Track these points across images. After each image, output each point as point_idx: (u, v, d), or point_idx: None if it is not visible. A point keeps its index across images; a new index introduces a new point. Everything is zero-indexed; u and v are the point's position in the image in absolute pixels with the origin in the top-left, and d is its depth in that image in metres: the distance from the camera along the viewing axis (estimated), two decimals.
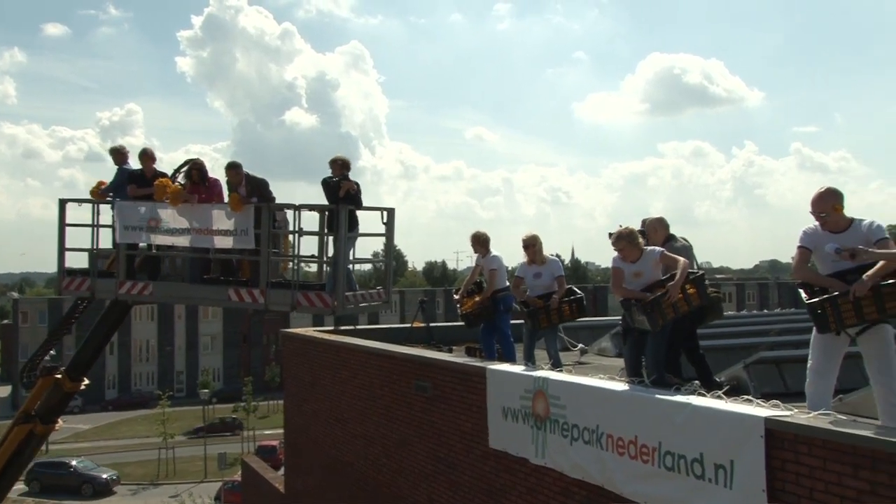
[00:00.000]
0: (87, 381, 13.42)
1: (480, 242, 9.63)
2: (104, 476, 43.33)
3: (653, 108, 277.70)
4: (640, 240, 7.14)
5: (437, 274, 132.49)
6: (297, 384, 13.65)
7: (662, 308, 6.61)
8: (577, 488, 6.70)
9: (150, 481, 45.33)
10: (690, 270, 6.93)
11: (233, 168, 10.41)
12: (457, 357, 9.72)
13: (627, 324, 7.14)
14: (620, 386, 6.51)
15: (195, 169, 10.72)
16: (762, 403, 5.29)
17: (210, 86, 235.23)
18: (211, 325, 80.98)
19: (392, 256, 11.13)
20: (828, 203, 5.40)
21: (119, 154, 11.60)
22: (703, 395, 5.68)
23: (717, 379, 7.64)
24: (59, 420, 13.68)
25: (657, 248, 7.15)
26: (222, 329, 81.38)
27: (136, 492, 43.48)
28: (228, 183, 10.46)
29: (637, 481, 5.93)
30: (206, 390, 69.40)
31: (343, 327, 14.12)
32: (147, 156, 11.31)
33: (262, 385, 71.70)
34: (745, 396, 5.59)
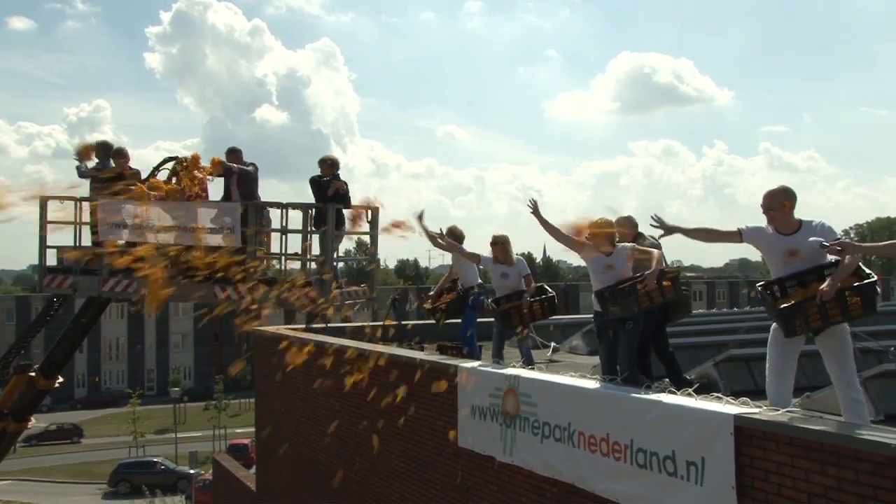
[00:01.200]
0: (60, 380, 13.29)
1: (454, 237, 9.68)
2: (191, 472, 42.83)
3: (623, 106, 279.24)
4: (615, 234, 7.21)
5: (409, 272, 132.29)
6: (268, 382, 13.57)
7: (638, 295, 6.67)
8: (549, 486, 6.72)
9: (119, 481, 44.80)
10: (664, 268, 7.02)
11: (233, 153, 10.58)
12: (428, 355, 9.73)
13: (601, 322, 7.20)
14: (592, 384, 6.54)
15: (181, 166, 10.74)
16: (732, 401, 5.34)
17: (179, 82, 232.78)
18: (182, 323, 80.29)
19: (377, 254, 11.16)
20: (776, 199, 5.44)
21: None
22: (674, 393, 5.73)
23: (688, 377, 7.71)
24: (32, 418, 13.54)
25: (629, 244, 7.21)
26: (193, 327, 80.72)
27: (106, 493, 43.01)
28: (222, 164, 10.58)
29: (608, 479, 5.96)
30: (177, 388, 68.85)
31: (314, 325, 14.06)
32: (121, 155, 11.26)
33: (233, 383, 71.24)
34: (715, 394, 5.64)
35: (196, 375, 79.53)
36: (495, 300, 9.25)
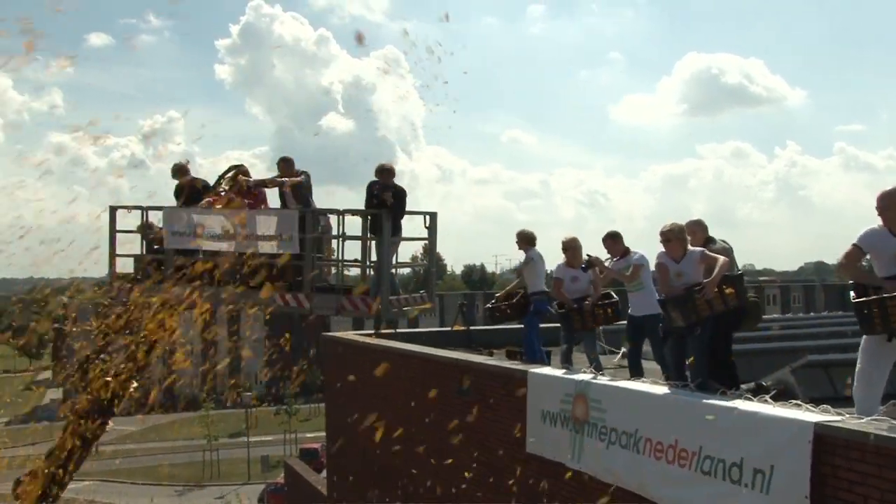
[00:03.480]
0: (136, 384, 13.61)
1: (522, 238, 9.65)
2: None
3: (690, 108, 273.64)
4: (688, 238, 7.09)
5: (475, 277, 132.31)
6: (338, 388, 13.70)
7: (696, 303, 6.52)
8: (620, 492, 6.61)
9: (196, 483, 45.87)
10: (728, 272, 6.85)
11: (285, 162, 10.67)
12: (497, 360, 9.69)
13: (668, 327, 7.08)
14: (663, 390, 6.41)
15: (242, 176, 10.90)
16: (811, 408, 5.17)
17: (248, 92, 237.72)
18: (253, 329, 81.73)
19: (434, 261, 11.13)
20: (892, 200, 5.24)
21: (181, 170, 11.76)
22: (750, 400, 5.57)
23: (764, 383, 7.51)
24: (110, 421, 13.91)
25: (698, 249, 7.07)
26: (264, 333, 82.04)
27: (182, 493, 44.05)
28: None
29: (670, 486, 5.83)
30: (249, 393, 70.12)
31: (383, 331, 14.16)
32: (180, 171, 11.53)
33: (304, 388, 72.21)
34: (794, 401, 5.47)
35: (267, 381, 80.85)
36: (558, 303, 9.17)
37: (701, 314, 6.57)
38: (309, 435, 53.26)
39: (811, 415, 5.01)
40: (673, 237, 6.98)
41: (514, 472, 8.28)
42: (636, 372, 7.86)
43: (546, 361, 9.52)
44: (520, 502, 8.19)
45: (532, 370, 8.16)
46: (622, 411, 6.54)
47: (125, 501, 41.97)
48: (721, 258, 6.80)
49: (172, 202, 11.50)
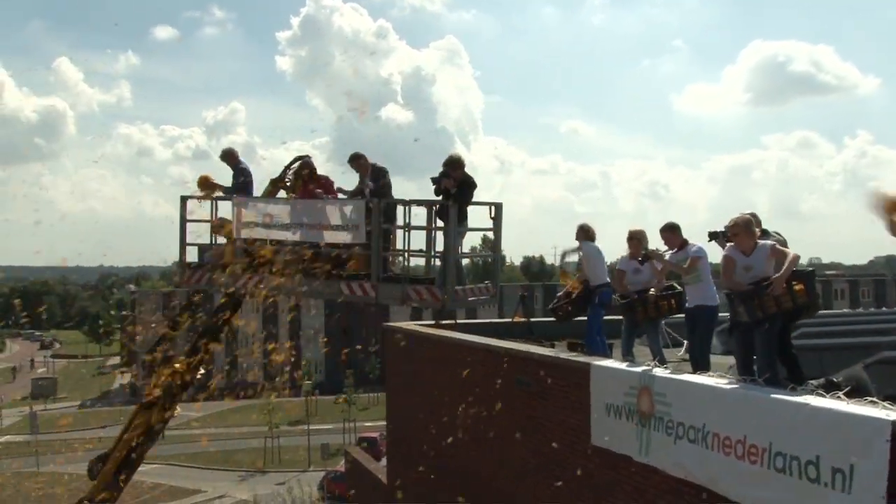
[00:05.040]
0: (202, 371, 13.93)
1: (580, 231, 9.61)
2: None
3: (756, 98, 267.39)
4: (757, 230, 6.96)
5: (534, 269, 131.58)
6: (398, 377, 13.82)
7: (763, 299, 6.39)
8: (686, 488, 6.54)
9: (258, 468, 46.73)
10: (799, 269, 6.70)
11: (355, 160, 10.74)
12: (559, 352, 9.65)
13: (735, 320, 6.97)
14: (730, 384, 6.31)
15: (306, 167, 11.04)
16: (888, 406, 5.03)
17: (308, 84, 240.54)
18: (313, 319, 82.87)
19: (500, 251, 11.12)
20: None
21: (230, 156, 11.99)
22: (823, 396, 5.45)
23: (835, 379, 7.33)
24: (178, 407, 14.27)
25: (769, 242, 6.92)
26: (324, 322, 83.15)
27: (245, 478, 44.94)
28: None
29: (743, 482, 5.73)
30: (309, 382, 71.11)
31: (444, 321, 14.21)
32: (230, 156, 11.77)
33: (363, 377, 73.01)
34: (869, 398, 5.33)
35: (327, 369, 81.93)
36: (624, 295, 9.10)
37: (768, 311, 6.43)
38: (368, 424, 53.78)
39: (888, 412, 4.87)
40: (740, 230, 6.86)
41: (579, 465, 8.25)
42: (700, 365, 7.77)
43: (608, 354, 9.46)
44: (583, 495, 8.15)
45: (595, 362, 8.12)
46: (688, 405, 6.45)
47: (189, 485, 43.01)
48: (791, 253, 6.65)
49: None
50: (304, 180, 10.95)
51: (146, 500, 39.02)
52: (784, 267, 6.48)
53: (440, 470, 11.68)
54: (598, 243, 9.80)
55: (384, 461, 16.94)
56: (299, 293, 10.76)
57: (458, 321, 14.75)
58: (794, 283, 6.48)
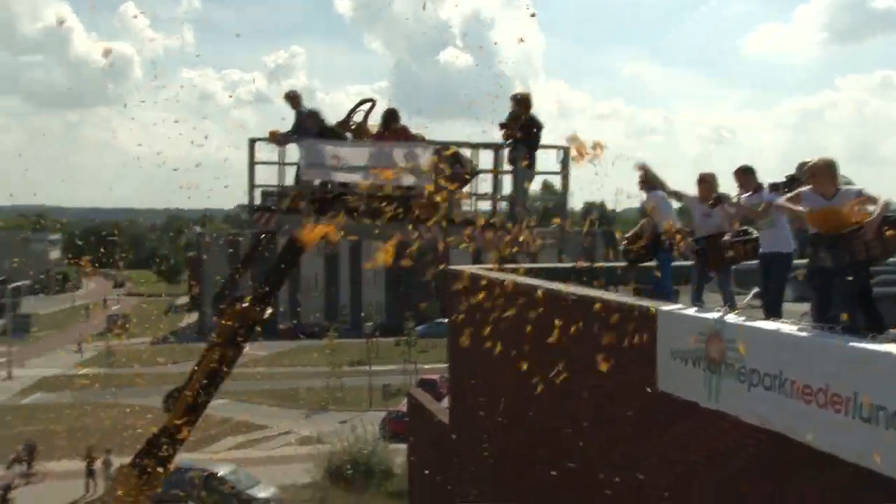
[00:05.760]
0: (269, 311, 14.22)
1: (649, 177, 9.40)
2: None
3: (831, 37, 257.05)
4: (838, 175, 6.69)
5: (595, 215, 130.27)
6: (459, 321, 13.86)
7: (852, 244, 6.16)
8: (758, 434, 6.43)
9: (321, 407, 47.90)
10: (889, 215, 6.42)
11: (390, 115, 10.68)
12: (624, 297, 9.55)
13: (813, 266, 6.76)
14: (808, 331, 6.15)
15: (391, 116, 11.06)
16: None
17: (367, 27, 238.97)
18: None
19: (567, 196, 10.97)
20: None
21: (293, 99, 11.98)
22: None
23: None
24: (245, 346, 14.63)
25: (855, 187, 6.64)
26: (384, 266, 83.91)
27: (309, 416, 46.16)
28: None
29: (828, 431, 5.60)
30: (370, 324, 72.15)
31: (505, 265, 14.15)
32: (293, 99, 11.74)
33: (423, 320, 73.82)
34: None
35: (387, 312, 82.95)
36: (695, 240, 8.92)
37: (856, 257, 6.20)
38: (427, 366, 54.47)
39: None
40: (820, 172, 6.60)
41: (643, 411, 8.20)
42: (773, 312, 7.59)
43: (676, 300, 9.33)
44: (649, 441, 8.12)
45: (663, 308, 8.00)
46: (762, 352, 6.32)
47: (256, 420, 44.38)
48: (882, 197, 6.37)
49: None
50: (386, 124, 10.94)
51: (215, 433, 40.44)
52: (876, 212, 6.21)
53: (499, 415, 11.75)
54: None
55: (444, 402, 17.14)
56: (364, 236, 10.82)
57: (520, 265, 14.69)
58: (885, 228, 6.21)
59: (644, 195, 9.63)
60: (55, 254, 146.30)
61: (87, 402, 48.50)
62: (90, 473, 32.47)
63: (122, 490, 15.64)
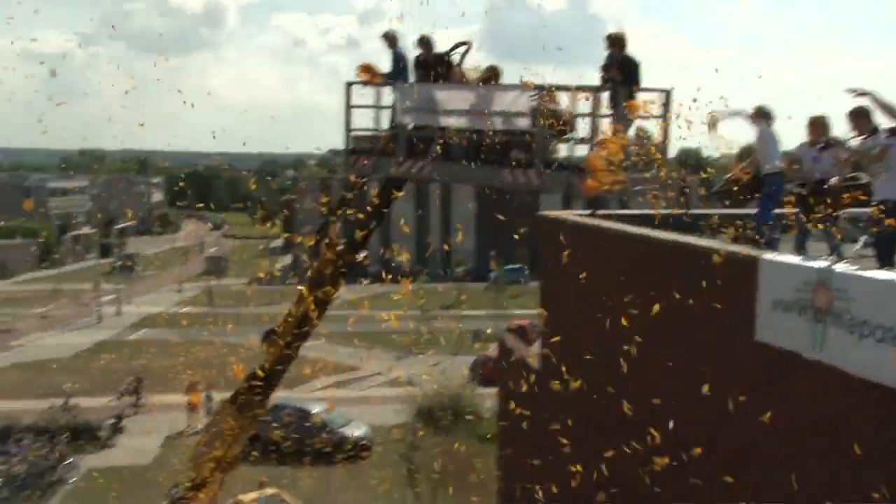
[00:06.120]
0: (363, 254, 14.46)
1: (757, 112, 9.02)
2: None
3: None
4: None
5: (690, 160, 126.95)
6: (551, 267, 13.75)
7: None
8: (863, 387, 6.19)
9: (411, 349, 48.78)
10: None
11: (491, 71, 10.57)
12: (724, 245, 9.27)
13: None
14: None
15: (493, 74, 10.96)
16: None
17: None
18: (464, 206, 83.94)
19: (668, 140, 10.65)
20: None
21: (390, 39, 11.93)
22: None
23: None
24: (338, 288, 14.98)
25: None
26: (475, 210, 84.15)
27: (399, 358, 47.14)
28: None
29: None
30: (460, 268, 72.67)
31: (599, 211, 13.93)
32: (390, 40, 11.66)
33: (513, 266, 73.92)
34: None
35: (477, 257, 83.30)
36: (801, 185, 8.55)
37: None
38: (517, 312, 54.68)
39: None
40: None
41: (741, 362, 8.00)
42: (886, 260, 7.24)
43: (776, 247, 9.00)
44: (747, 391, 7.94)
45: (764, 256, 7.72)
46: (873, 303, 6.03)
47: (347, 361, 45.60)
48: None
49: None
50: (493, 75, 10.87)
51: (309, 373, 41.73)
52: None
53: (588, 362, 11.69)
54: (782, 129, 9.20)
55: (534, 347, 17.16)
56: (462, 179, 10.84)
57: (614, 211, 14.44)
58: None
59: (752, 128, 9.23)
60: (157, 196, 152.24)
61: (189, 340, 50.77)
62: (192, 407, 34.08)
63: (223, 424, 16.39)
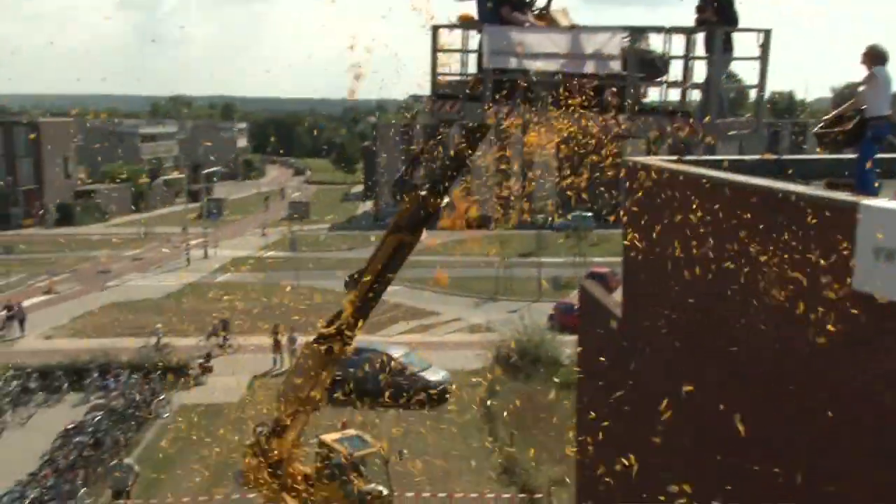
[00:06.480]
0: (447, 200, 14.45)
1: (871, 54, 8.52)
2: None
3: None
4: None
5: (782, 104, 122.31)
6: (637, 214, 13.47)
7: None
8: None
9: (491, 296, 49.00)
10: None
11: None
12: (818, 191, 8.88)
13: None
14: None
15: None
16: None
17: None
18: (546, 152, 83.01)
19: (766, 83, 10.16)
20: None
21: None
22: None
23: None
24: (421, 234, 15.07)
25: None
26: (556, 158, 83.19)
27: (479, 304, 47.40)
28: None
29: None
30: (541, 215, 72.08)
31: (689, 157, 13.53)
32: None
33: (594, 213, 73.00)
34: None
35: (558, 205, 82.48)
36: None
37: None
38: (598, 259, 54.15)
39: None
40: None
41: (837, 312, 7.70)
42: None
43: (877, 193, 8.58)
44: (839, 338, 7.66)
45: (865, 202, 7.35)
46: None
47: (427, 307, 46.07)
48: None
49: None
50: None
51: (390, 317, 42.41)
52: None
53: (676, 308, 11.47)
54: None
55: (615, 295, 16.95)
56: (549, 125, 10.60)
57: (701, 157, 14.01)
58: None
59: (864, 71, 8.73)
60: (242, 142, 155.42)
61: (273, 283, 52.10)
62: (277, 348, 35.08)
63: (307, 365, 16.82)
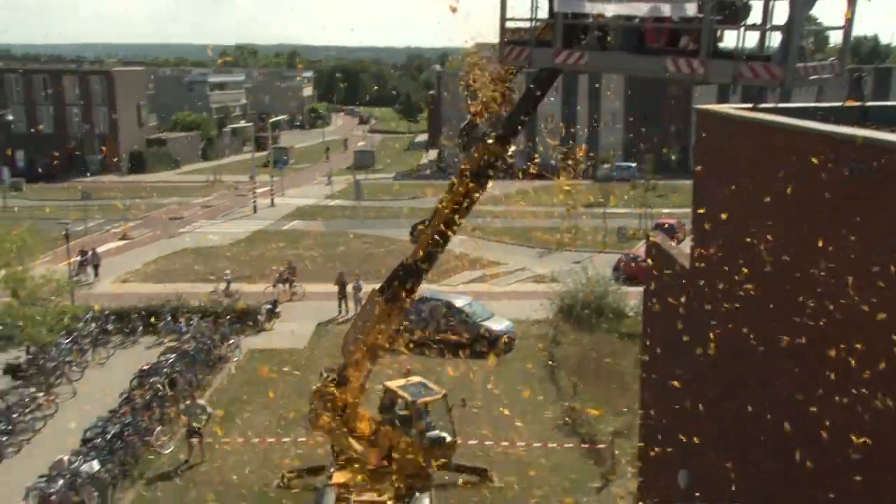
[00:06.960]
0: (512, 149, 14.29)
1: None
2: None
3: None
4: None
5: (864, 50, 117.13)
6: (707, 164, 13.11)
7: None
8: None
9: (555, 246, 48.62)
10: None
11: None
12: None
13: None
14: None
15: None
16: None
17: None
18: (612, 103, 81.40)
19: (852, 28, 9.64)
20: None
21: None
22: None
23: None
24: (488, 183, 14.97)
25: None
26: (623, 107, 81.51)
27: (543, 255, 47.12)
28: None
29: None
30: (607, 165, 70.94)
31: (761, 105, 13.06)
32: None
33: (662, 163, 71.62)
34: None
35: (624, 154, 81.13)
36: None
37: None
38: (665, 210, 53.20)
39: None
40: None
41: None
42: None
43: None
44: None
45: None
46: None
47: (491, 257, 46.00)
48: None
49: None
50: None
51: (453, 267, 42.53)
52: None
53: (747, 260, 11.20)
54: None
55: (683, 246, 16.63)
56: (621, 70, 10.33)
57: (777, 105, 13.50)
58: None
59: None
60: (308, 91, 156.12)
61: (338, 231, 52.60)
62: (342, 296, 35.53)
63: (373, 313, 17.03)
